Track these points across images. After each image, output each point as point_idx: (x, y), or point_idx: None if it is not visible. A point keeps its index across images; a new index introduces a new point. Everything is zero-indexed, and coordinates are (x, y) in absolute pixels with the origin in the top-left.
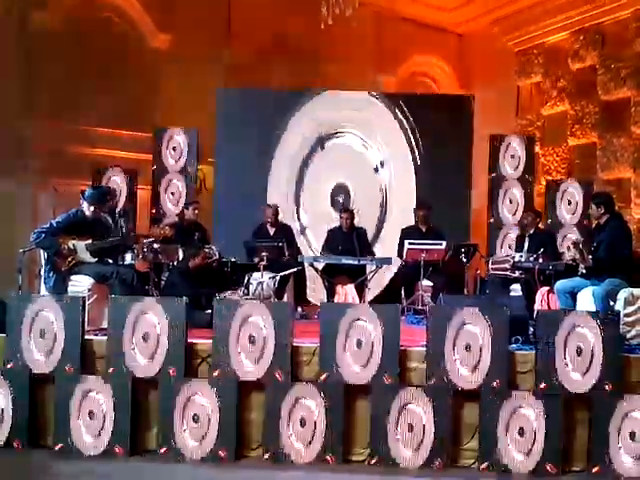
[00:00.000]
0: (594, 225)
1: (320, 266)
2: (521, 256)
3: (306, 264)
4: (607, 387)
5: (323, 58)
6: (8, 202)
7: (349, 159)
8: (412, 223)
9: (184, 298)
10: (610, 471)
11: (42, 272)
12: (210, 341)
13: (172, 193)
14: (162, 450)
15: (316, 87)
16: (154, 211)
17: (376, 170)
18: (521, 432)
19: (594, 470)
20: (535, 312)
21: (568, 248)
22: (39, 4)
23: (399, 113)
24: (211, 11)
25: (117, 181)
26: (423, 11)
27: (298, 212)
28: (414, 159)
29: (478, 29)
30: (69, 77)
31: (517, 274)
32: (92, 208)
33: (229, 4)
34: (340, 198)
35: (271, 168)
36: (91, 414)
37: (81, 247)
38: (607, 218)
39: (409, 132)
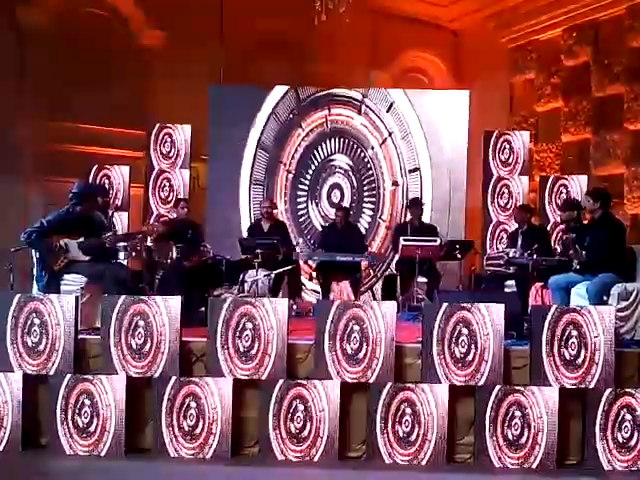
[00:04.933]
0: (588, 220)
1: (315, 263)
2: (515, 252)
3: (301, 261)
4: (601, 381)
5: (317, 55)
6: None
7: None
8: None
9: (178, 296)
10: (603, 464)
11: (34, 271)
12: (205, 339)
13: (165, 191)
14: (157, 449)
15: (310, 84)
16: (147, 209)
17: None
18: (516, 427)
19: (588, 463)
20: (529, 308)
21: (563, 245)
22: (32, 2)
23: (394, 109)
24: (204, 7)
25: (110, 179)
26: (417, 7)
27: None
28: (410, 156)
29: (472, 25)
30: (61, 75)
31: (511, 270)
32: (78, 208)
33: (222, 0)
34: (334, 195)
35: (265, 165)
36: (85, 414)
37: (73, 246)
38: (601, 214)
39: (404, 128)
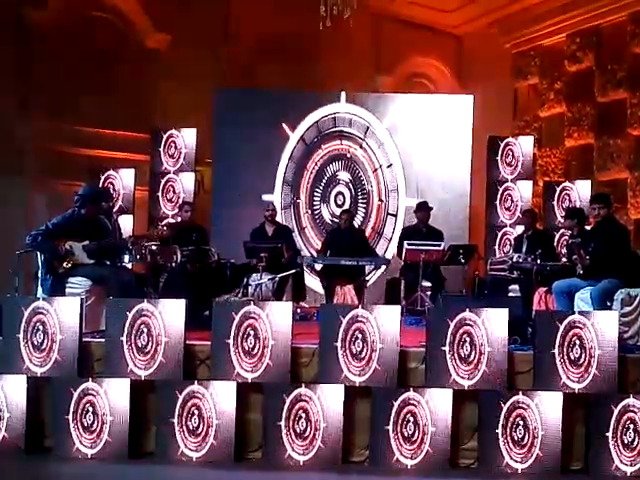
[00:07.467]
0: (591, 225)
1: (319, 267)
2: (519, 257)
3: (305, 265)
4: (604, 386)
5: (321, 59)
6: (2, 203)
7: (348, 160)
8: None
9: (183, 300)
10: (607, 470)
11: (39, 274)
12: (209, 343)
13: (170, 194)
14: (161, 452)
15: (315, 88)
16: (152, 212)
17: (375, 171)
18: (520, 432)
19: (592, 469)
20: (533, 313)
21: (568, 249)
22: (36, 3)
23: (398, 113)
24: (209, 11)
25: (115, 182)
26: (421, 12)
27: (297, 213)
28: (414, 160)
29: (476, 31)
30: (66, 77)
31: (515, 275)
32: (83, 210)
33: (228, 4)
34: (339, 200)
35: (270, 169)
36: (89, 417)
37: (78, 248)
38: (604, 219)
39: (408, 133)
